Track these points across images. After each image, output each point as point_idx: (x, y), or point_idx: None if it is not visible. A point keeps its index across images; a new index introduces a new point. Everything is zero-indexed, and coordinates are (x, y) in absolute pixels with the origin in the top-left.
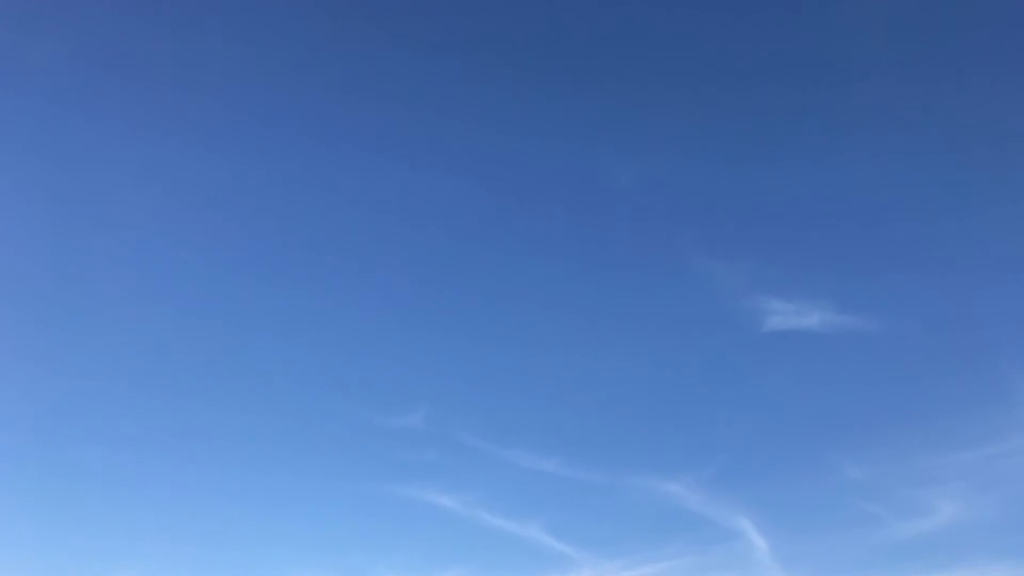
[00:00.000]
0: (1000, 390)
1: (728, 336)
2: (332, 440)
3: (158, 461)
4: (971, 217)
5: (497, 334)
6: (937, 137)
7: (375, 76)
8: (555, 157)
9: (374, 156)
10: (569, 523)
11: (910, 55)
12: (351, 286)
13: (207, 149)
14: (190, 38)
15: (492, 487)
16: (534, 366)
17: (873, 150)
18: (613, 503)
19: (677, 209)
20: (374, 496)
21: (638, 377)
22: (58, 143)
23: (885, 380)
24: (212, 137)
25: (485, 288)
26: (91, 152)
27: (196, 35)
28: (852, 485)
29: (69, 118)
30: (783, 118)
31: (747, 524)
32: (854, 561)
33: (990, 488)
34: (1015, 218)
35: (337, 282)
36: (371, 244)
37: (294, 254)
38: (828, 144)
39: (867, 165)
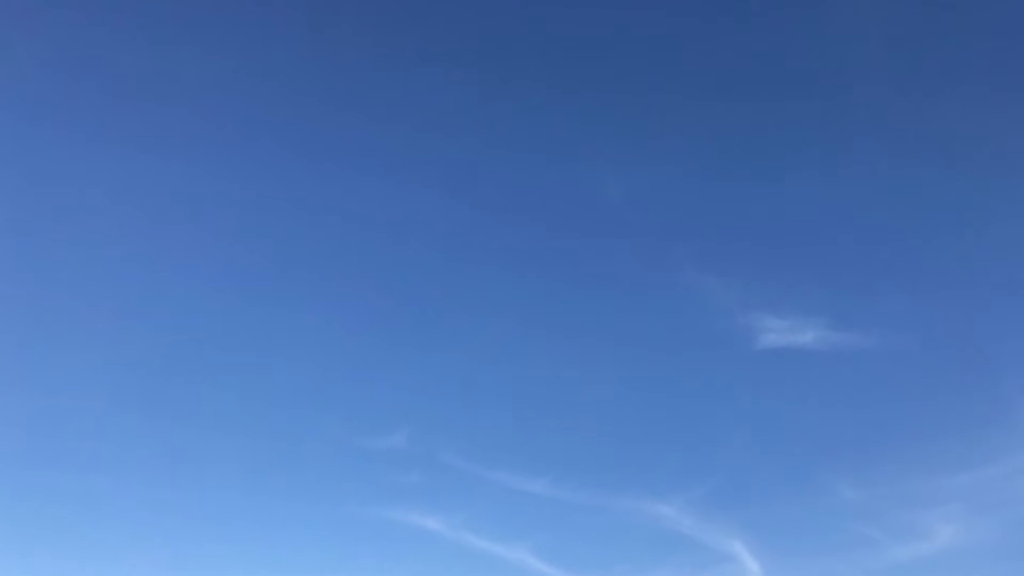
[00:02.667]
0: (1000, 409)
1: (721, 354)
2: (312, 461)
3: (134, 483)
4: (970, 232)
5: (483, 352)
6: (935, 151)
7: (357, 88)
8: (544, 170)
9: (356, 170)
10: (558, 546)
11: (907, 67)
12: (332, 302)
13: (186, 162)
14: (168, 49)
15: (478, 509)
16: (521, 385)
17: (870, 164)
18: (603, 525)
19: (669, 224)
20: (356, 519)
21: (628, 396)
22: (31, 156)
23: (882, 399)
24: (192, 150)
25: (471, 304)
26: (67, 166)
27: (174, 46)
28: (848, 507)
29: (42, 130)
30: (777, 132)
31: (740, 547)
32: None
33: (990, 510)
34: (1015, 233)
35: (317, 298)
36: (352, 259)
37: (273, 270)
38: (823, 158)
39: (864, 179)
